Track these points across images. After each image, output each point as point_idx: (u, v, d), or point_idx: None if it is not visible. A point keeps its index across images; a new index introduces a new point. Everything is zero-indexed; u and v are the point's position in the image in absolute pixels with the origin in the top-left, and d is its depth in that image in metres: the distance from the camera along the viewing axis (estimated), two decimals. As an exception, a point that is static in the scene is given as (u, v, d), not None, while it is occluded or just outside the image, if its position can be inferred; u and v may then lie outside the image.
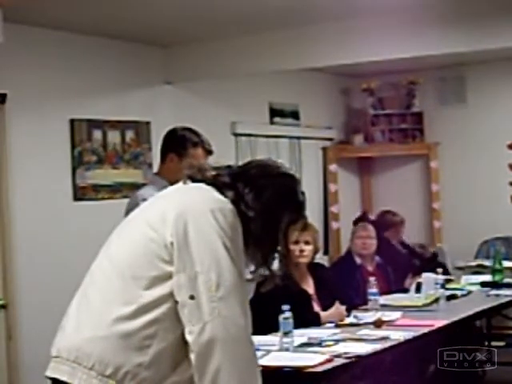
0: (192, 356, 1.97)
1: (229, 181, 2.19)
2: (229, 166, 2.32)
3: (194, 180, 2.23)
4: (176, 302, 2.00)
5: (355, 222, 6.67)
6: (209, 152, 4.11)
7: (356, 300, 4.90)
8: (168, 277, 2.01)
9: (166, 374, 2.01)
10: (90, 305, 2.06)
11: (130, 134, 6.00)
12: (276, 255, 2.25)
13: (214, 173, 2.24)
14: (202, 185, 2.19)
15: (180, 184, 2.26)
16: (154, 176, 4.25)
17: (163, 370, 2.00)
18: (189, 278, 1.99)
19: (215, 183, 2.18)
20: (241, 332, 2.02)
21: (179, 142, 4.09)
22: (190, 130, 4.18)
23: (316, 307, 4.57)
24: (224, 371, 1.96)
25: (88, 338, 2.01)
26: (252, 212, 2.15)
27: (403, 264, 6.38)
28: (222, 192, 2.15)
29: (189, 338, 1.98)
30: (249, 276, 2.28)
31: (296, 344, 3.76)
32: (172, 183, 4.06)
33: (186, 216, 2.04)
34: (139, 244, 2.06)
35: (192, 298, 1.98)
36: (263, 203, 2.17)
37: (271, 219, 2.18)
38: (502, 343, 6.78)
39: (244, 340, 2.05)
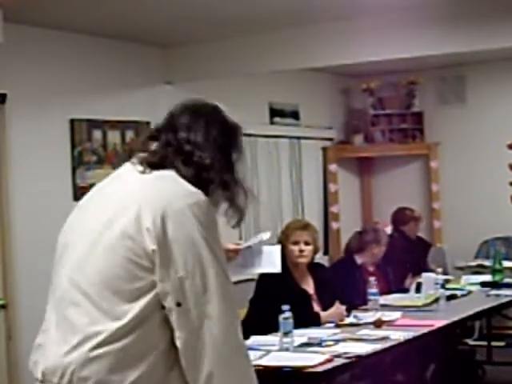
0: (183, 361, 1.93)
1: (174, 152, 2.08)
2: (157, 131, 2.15)
3: (150, 165, 2.07)
4: (163, 307, 1.94)
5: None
6: None
7: (356, 300, 4.90)
8: (152, 286, 1.93)
9: (161, 379, 1.95)
10: (75, 327, 1.95)
11: (129, 134, 6.00)
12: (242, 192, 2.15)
13: (159, 150, 2.09)
14: (165, 173, 2.05)
15: (134, 172, 2.08)
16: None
17: (159, 377, 1.95)
18: (173, 284, 1.92)
19: (173, 164, 2.06)
20: (230, 331, 1.96)
21: None
22: None
23: (316, 307, 4.57)
24: (217, 374, 1.92)
25: (82, 361, 1.91)
26: (208, 160, 2.08)
27: (407, 261, 6.40)
28: (182, 174, 2.05)
29: (178, 343, 1.92)
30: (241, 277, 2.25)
31: (296, 344, 3.76)
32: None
33: (165, 220, 1.93)
34: (116, 255, 1.95)
35: (179, 304, 1.92)
36: (213, 145, 2.12)
37: (225, 157, 2.13)
38: (502, 343, 6.79)
39: (234, 339, 1.98)
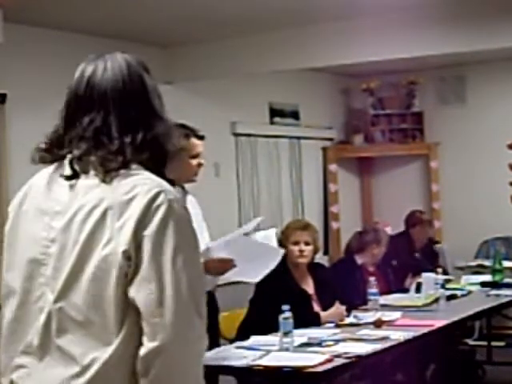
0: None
1: (132, 147, 1.89)
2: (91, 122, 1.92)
3: (108, 171, 1.86)
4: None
5: None
6: (201, 138, 4.15)
7: (356, 300, 4.90)
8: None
9: None
10: (69, 357, 1.85)
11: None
12: None
13: (117, 152, 1.88)
14: (129, 174, 1.86)
15: (95, 180, 1.87)
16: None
17: None
18: (132, 292, 1.80)
19: (133, 162, 1.88)
20: (185, 358, 1.79)
21: None
22: (175, 125, 4.19)
23: (316, 307, 4.57)
24: None
25: None
26: (160, 128, 1.97)
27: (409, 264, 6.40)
28: (145, 166, 1.88)
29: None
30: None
31: (296, 344, 3.76)
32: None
33: (138, 235, 1.80)
34: (100, 280, 1.83)
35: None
36: (154, 106, 2.02)
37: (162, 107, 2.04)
38: (502, 343, 6.79)
39: (191, 354, 1.81)
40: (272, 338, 3.88)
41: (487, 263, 6.66)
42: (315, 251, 4.73)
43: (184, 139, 4.09)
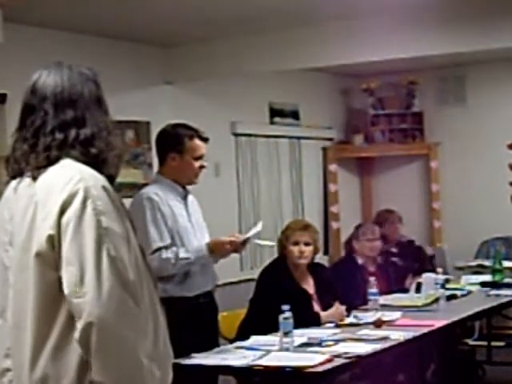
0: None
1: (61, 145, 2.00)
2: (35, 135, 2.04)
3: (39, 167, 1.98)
4: None
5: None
6: (205, 139, 4.13)
7: (356, 300, 4.90)
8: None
9: None
10: (27, 354, 1.92)
11: (129, 135, 6.00)
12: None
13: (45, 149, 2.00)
14: (56, 166, 1.97)
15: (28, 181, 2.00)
16: (157, 175, 4.24)
17: None
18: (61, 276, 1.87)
19: (63, 156, 1.99)
20: (113, 324, 1.82)
21: (175, 140, 4.09)
22: (180, 125, 4.19)
23: (316, 307, 4.57)
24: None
25: None
26: (102, 133, 2.04)
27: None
28: (79, 159, 1.98)
29: None
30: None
31: (296, 344, 3.76)
32: (176, 182, 4.10)
33: (62, 221, 1.88)
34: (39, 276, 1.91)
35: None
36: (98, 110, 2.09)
37: (105, 112, 2.12)
38: (502, 343, 6.78)
39: (120, 329, 1.84)
40: (272, 338, 3.88)
41: (487, 263, 6.65)
42: (315, 252, 4.73)
43: (188, 140, 4.08)
